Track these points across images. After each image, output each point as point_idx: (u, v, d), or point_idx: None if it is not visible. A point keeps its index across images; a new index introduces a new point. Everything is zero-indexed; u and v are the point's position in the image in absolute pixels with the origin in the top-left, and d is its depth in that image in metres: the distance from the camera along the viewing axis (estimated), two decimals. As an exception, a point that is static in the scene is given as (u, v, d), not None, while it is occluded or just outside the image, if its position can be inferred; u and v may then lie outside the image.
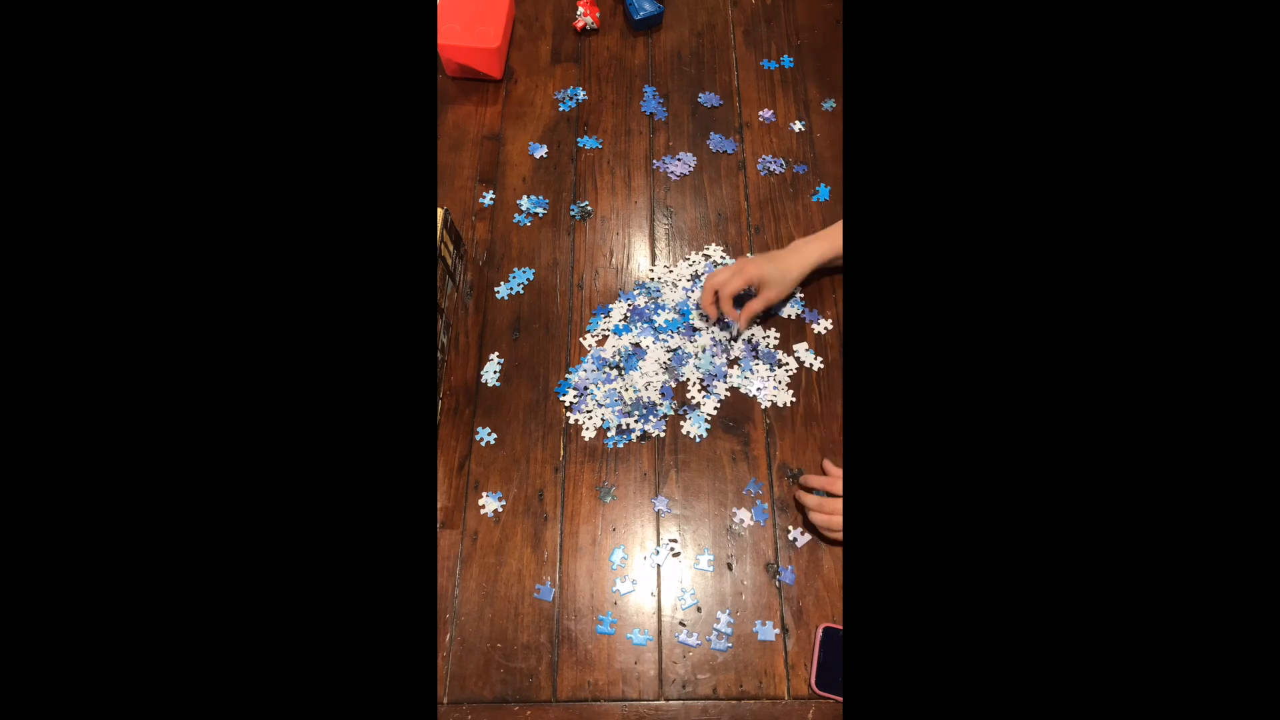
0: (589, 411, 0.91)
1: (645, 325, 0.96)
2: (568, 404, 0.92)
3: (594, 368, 0.94)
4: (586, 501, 0.87)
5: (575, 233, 1.05)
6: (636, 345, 0.95)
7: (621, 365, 0.94)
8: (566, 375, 0.94)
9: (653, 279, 1.01)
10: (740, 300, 0.94)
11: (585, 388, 0.93)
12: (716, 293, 0.92)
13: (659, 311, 0.97)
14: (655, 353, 0.95)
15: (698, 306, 0.97)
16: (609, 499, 0.87)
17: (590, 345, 0.96)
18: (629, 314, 0.98)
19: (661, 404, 0.91)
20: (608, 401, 0.92)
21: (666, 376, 0.93)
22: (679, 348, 0.95)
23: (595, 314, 0.98)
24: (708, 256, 1.02)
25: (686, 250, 1.03)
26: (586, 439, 0.90)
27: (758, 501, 0.87)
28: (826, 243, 0.95)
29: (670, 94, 1.17)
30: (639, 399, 0.92)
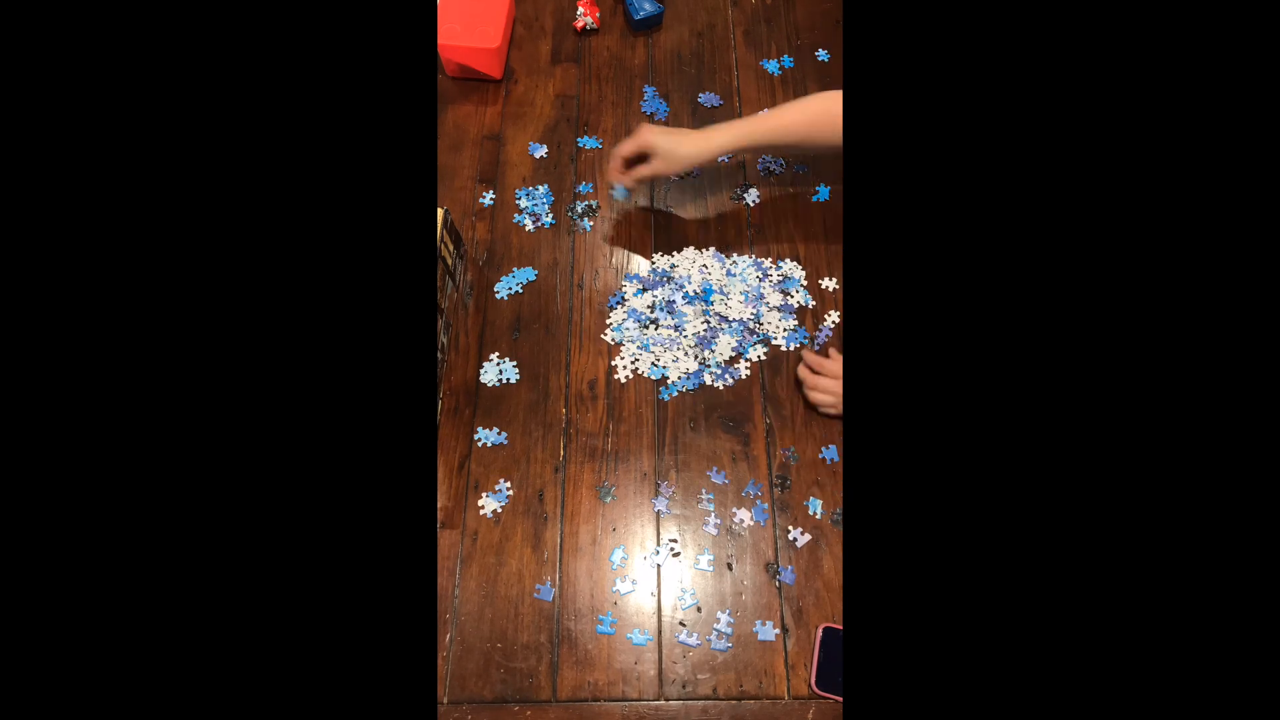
0: (632, 358, 0.96)
1: (674, 286, 1.00)
2: (612, 341, 0.97)
3: (632, 322, 0.97)
4: (586, 501, 0.87)
5: (575, 233, 1.05)
6: (670, 301, 0.99)
7: (657, 318, 0.98)
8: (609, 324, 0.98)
9: (656, 268, 1.02)
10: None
11: (621, 342, 0.97)
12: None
13: (685, 283, 1.00)
14: (690, 312, 0.98)
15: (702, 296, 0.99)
16: (609, 499, 0.87)
17: (619, 317, 0.98)
18: (645, 286, 1.00)
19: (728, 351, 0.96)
20: (645, 345, 0.96)
21: (704, 328, 0.97)
22: (709, 323, 0.98)
23: (611, 303, 0.99)
24: (702, 263, 1.02)
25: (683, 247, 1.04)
26: (621, 381, 0.94)
27: (758, 501, 0.87)
28: (737, 131, 0.93)
29: (670, 94, 1.17)
30: (701, 346, 0.96)
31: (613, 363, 0.95)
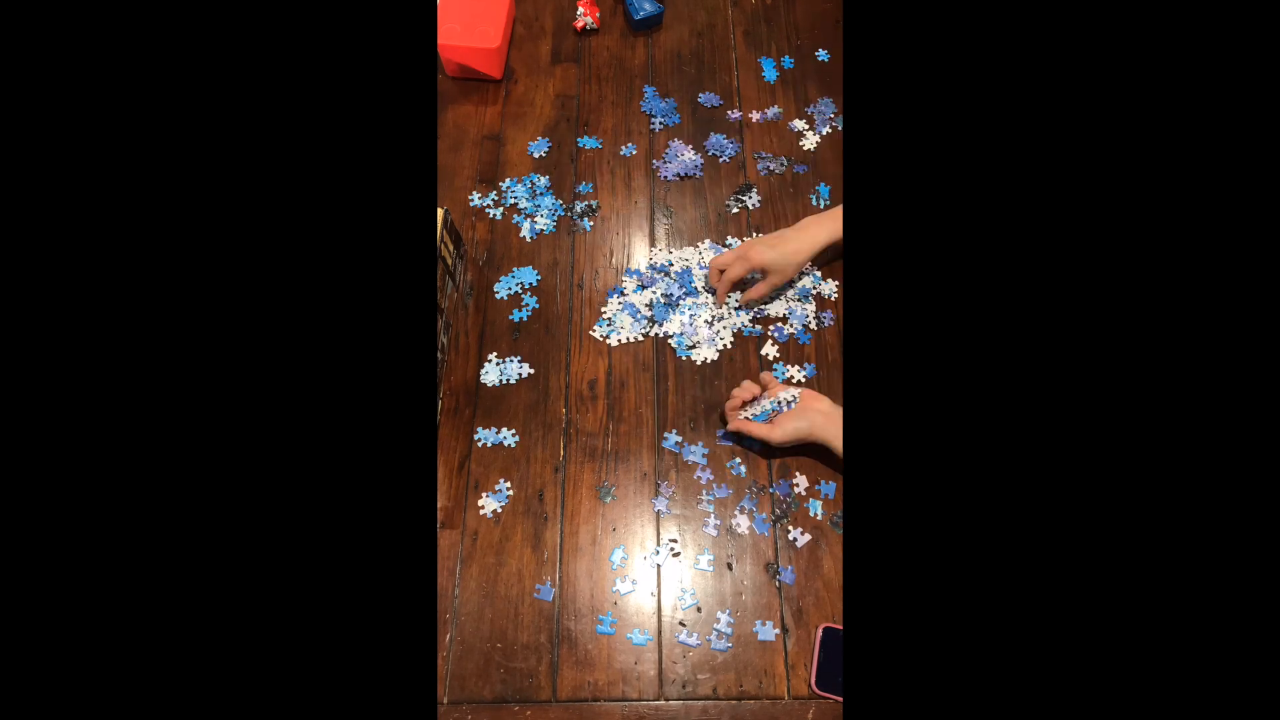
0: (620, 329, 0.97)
1: (676, 281, 1.00)
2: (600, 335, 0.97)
3: (626, 316, 0.98)
4: (586, 501, 0.87)
5: (575, 233, 1.05)
6: (669, 295, 0.99)
7: (654, 318, 0.98)
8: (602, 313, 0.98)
9: (655, 262, 1.03)
10: (744, 283, 0.97)
11: (609, 335, 0.97)
12: (721, 273, 0.94)
13: (688, 277, 1.01)
14: (693, 304, 0.99)
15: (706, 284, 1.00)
16: (609, 499, 0.87)
17: (614, 307, 0.98)
18: (645, 281, 1.00)
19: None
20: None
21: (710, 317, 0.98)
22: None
23: (609, 295, 1.00)
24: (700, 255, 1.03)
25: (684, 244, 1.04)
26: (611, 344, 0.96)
27: (755, 514, 0.87)
28: (836, 223, 0.95)
29: (670, 94, 1.17)
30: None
31: (608, 341, 0.95)
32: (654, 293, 0.99)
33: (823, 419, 0.84)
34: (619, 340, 0.96)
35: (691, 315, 0.97)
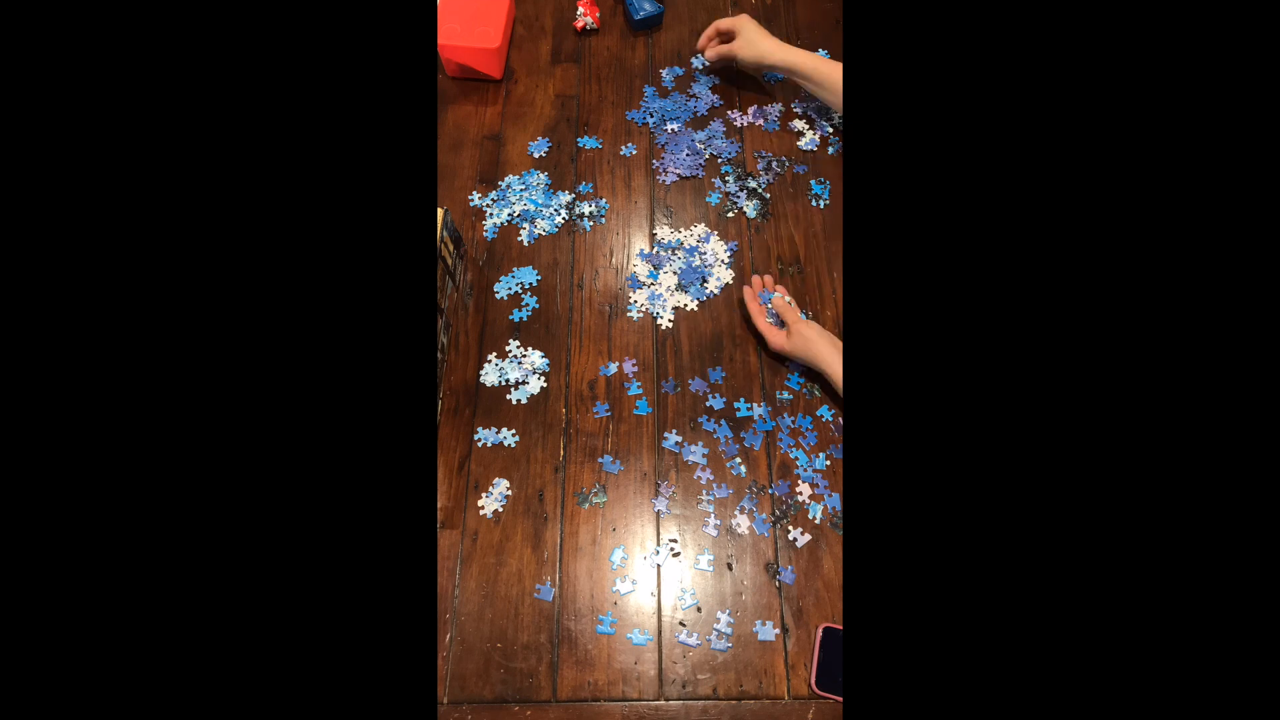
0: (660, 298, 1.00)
1: (687, 256, 1.03)
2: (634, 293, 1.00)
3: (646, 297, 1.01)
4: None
5: (575, 233, 1.05)
6: (691, 267, 1.02)
7: (682, 283, 1.01)
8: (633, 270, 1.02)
9: (662, 240, 1.05)
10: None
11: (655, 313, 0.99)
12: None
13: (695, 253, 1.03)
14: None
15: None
16: (601, 499, 0.87)
17: (642, 297, 1.00)
18: (655, 264, 1.02)
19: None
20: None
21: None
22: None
23: (633, 284, 1.01)
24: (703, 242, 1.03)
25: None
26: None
27: (756, 514, 0.87)
28: (803, 58, 1.06)
29: (670, 94, 1.17)
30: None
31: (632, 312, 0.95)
32: (668, 271, 1.01)
33: (829, 346, 0.90)
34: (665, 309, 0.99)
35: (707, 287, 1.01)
